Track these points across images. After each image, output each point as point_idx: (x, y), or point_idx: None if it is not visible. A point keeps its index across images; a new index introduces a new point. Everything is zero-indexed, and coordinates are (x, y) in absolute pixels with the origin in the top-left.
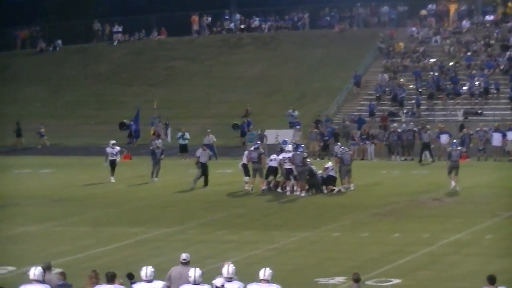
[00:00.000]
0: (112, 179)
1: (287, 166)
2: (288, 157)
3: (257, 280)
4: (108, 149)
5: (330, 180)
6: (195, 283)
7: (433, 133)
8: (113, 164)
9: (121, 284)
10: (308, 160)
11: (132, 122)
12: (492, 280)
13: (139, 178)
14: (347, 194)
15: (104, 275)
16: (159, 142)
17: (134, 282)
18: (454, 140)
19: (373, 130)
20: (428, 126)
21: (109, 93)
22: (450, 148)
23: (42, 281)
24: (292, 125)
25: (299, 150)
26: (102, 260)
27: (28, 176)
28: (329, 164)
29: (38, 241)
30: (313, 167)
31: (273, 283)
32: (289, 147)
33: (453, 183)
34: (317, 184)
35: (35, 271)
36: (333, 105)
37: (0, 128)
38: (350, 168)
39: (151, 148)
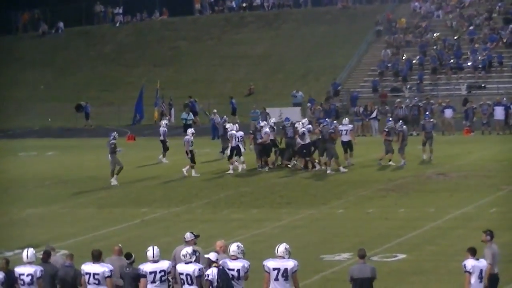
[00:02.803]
0: (163, 159)
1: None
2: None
3: (273, 256)
4: (161, 129)
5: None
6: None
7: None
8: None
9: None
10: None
11: (87, 104)
12: (473, 251)
13: (145, 159)
14: (351, 171)
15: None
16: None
17: (133, 262)
18: (427, 112)
19: (376, 106)
20: (432, 101)
21: (114, 75)
22: (424, 120)
23: (34, 262)
24: (295, 105)
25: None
26: (109, 240)
27: (33, 158)
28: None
29: (45, 223)
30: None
31: (290, 259)
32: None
33: (424, 155)
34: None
35: (27, 253)
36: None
37: (4, 111)
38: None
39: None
